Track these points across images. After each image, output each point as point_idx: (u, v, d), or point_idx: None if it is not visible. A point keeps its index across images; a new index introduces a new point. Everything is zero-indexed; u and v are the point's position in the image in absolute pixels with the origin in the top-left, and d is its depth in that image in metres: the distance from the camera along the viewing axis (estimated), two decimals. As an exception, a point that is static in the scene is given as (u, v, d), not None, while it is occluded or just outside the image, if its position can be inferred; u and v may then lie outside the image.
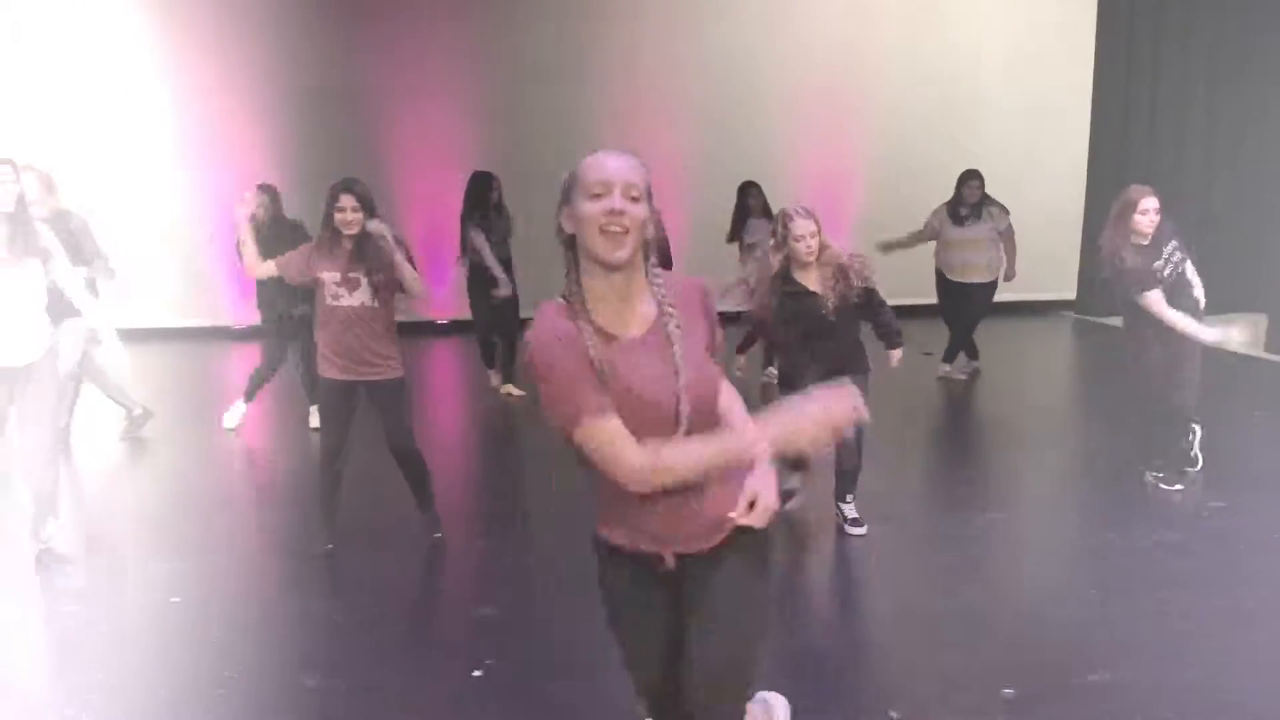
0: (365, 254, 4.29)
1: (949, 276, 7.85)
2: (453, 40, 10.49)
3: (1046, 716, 3.18)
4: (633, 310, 2.04)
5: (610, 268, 1.98)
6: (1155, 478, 5.23)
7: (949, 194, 7.96)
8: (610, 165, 1.98)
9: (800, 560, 4.59)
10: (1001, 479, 5.83)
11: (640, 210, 1.98)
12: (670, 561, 2.15)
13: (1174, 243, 4.94)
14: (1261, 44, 10.53)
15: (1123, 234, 4.88)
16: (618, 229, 1.94)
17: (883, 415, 7.22)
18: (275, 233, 6.11)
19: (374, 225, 4.30)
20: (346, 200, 4.32)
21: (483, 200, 7.26)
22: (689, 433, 2.00)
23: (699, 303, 2.11)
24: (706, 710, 2.15)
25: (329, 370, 4.42)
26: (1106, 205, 10.74)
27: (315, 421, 6.45)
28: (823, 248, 4.41)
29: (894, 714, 3.16)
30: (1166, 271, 4.85)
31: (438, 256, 8.89)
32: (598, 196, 1.95)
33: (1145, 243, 4.89)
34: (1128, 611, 3.92)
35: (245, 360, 7.67)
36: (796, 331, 4.46)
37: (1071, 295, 11.57)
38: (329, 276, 4.33)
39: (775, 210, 7.81)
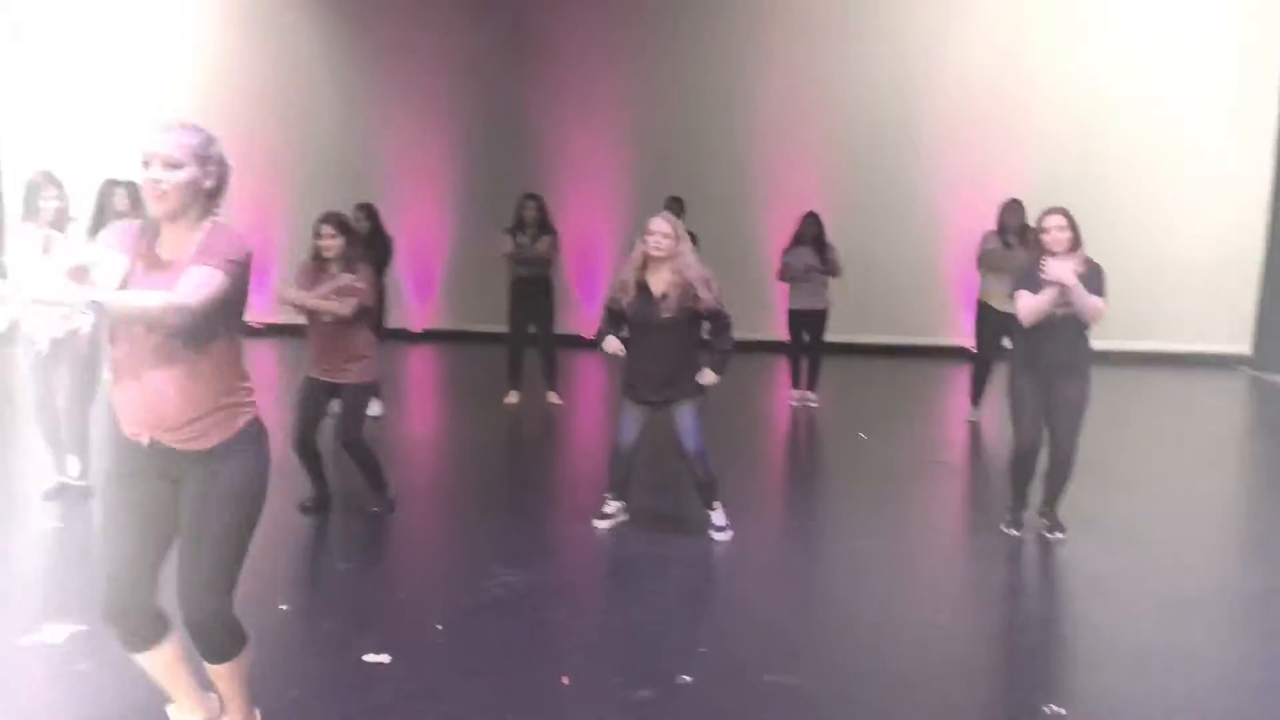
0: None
1: (994, 305, 7.57)
2: (611, 72, 11.37)
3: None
4: (178, 246, 2.56)
5: (162, 218, 2.55)
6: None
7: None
8: (148, 140, 2.52)
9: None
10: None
11: (181, 174, 2.50)
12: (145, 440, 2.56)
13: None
14: None
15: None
16: (155, 193, 2.51)
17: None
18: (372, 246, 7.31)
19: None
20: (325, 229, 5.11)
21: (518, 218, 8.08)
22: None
23: (219, 247, 2.54)
24: (187, 622, 2.64)
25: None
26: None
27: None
28: (676, 255, 4.72)
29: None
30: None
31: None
32: (145, 165, 2.52)
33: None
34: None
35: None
36: (635, 328, 4.83)
37: (1246, 348, 10.59)
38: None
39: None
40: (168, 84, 11.57)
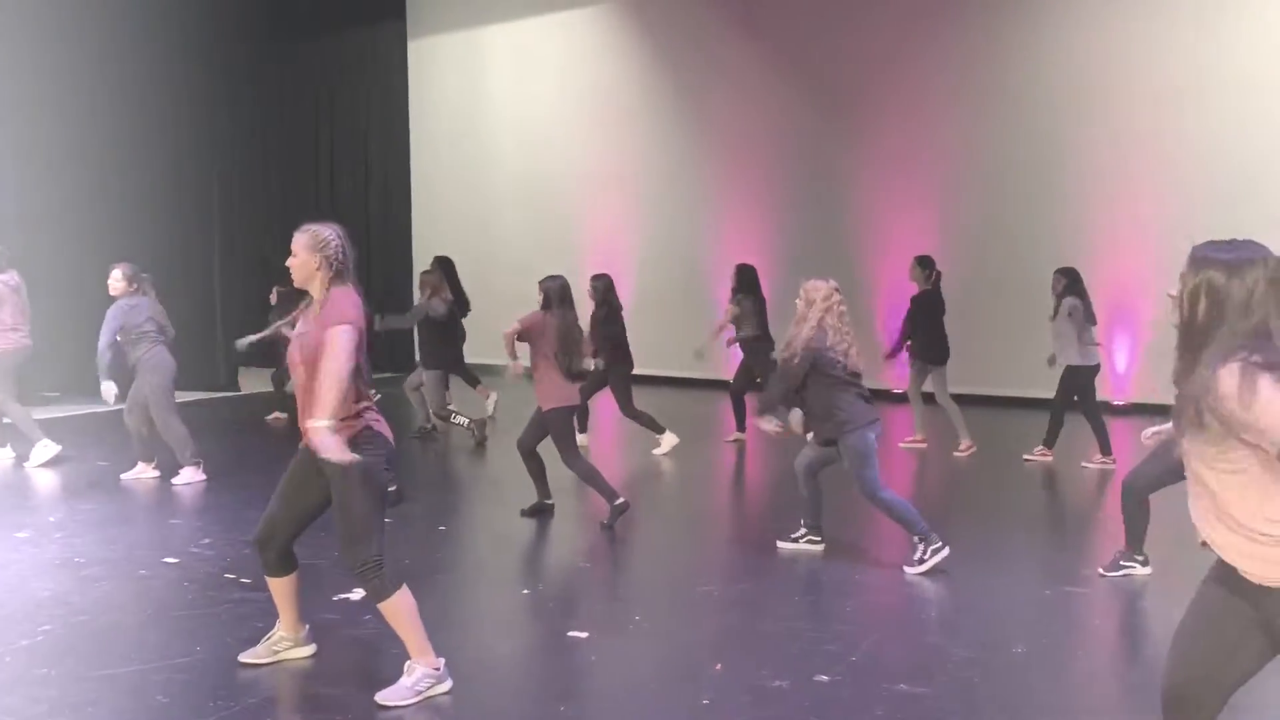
0: None
1: None
2: (923, 138, 11.72)
3: None
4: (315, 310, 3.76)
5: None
6: None
7: None
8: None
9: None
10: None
11: (296, 261, 3.71)
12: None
13: None
14: None
15: None
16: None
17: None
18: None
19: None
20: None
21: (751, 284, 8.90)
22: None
23: (330, 317, 3.66)
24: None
25: None
26: None
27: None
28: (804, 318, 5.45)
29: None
30: None
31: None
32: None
33: None
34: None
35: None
36: None
37: None
38: None
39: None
40: (547, 168, 13.63)
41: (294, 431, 4.03)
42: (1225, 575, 2.43)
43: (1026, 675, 4.10)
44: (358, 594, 4.92)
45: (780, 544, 5.79)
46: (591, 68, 13.89)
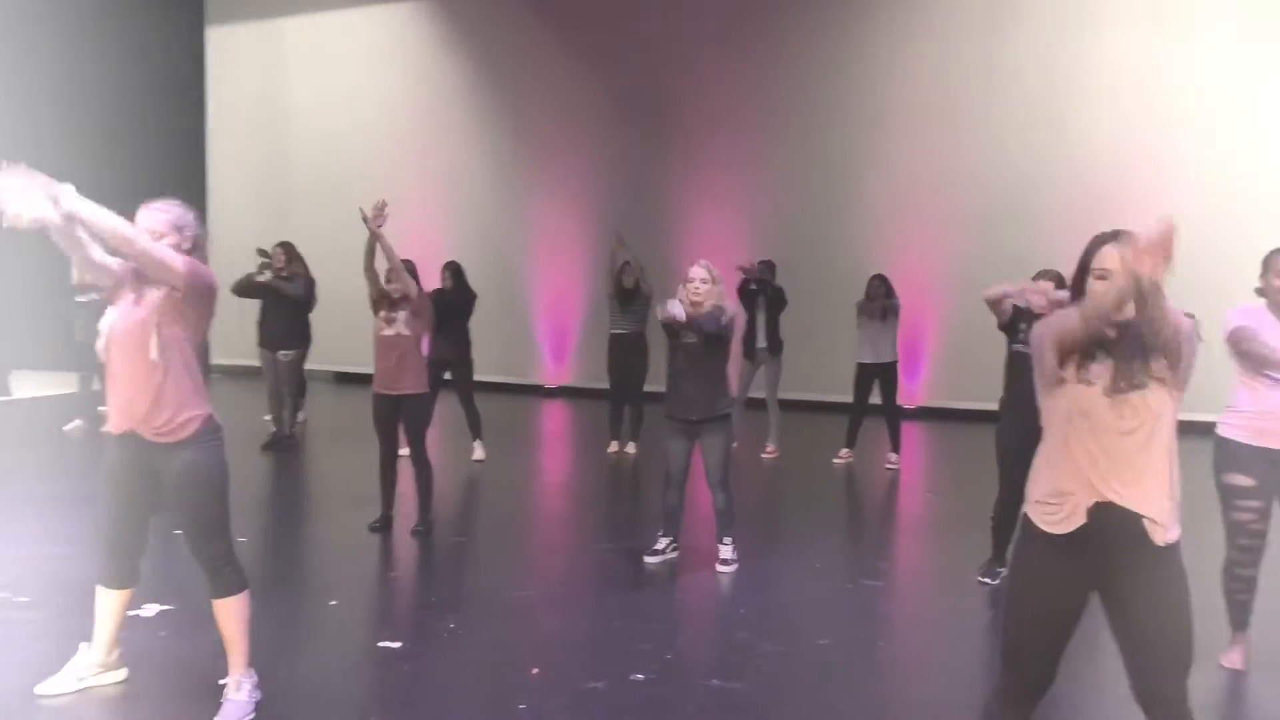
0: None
1: None
2: (736, 150, 12.10)
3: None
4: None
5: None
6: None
7: None
8: (142, 215, 3.40)
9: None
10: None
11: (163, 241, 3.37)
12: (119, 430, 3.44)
13: None
14: None
15: None
16: None
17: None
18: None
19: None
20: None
21: (617, 283, 8.72)
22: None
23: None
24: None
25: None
26: None
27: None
28: (717, 297, 5.28)
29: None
30: None
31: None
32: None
33: None
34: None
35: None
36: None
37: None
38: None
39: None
40: (348, 165, 13.17)
41: (95, 441, 3.73)
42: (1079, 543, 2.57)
43: (832, 666, 4.28)
44: (149, 609, 4.64)
45: (647, 559, 5.60)
46: (398, 64, 13.59)
